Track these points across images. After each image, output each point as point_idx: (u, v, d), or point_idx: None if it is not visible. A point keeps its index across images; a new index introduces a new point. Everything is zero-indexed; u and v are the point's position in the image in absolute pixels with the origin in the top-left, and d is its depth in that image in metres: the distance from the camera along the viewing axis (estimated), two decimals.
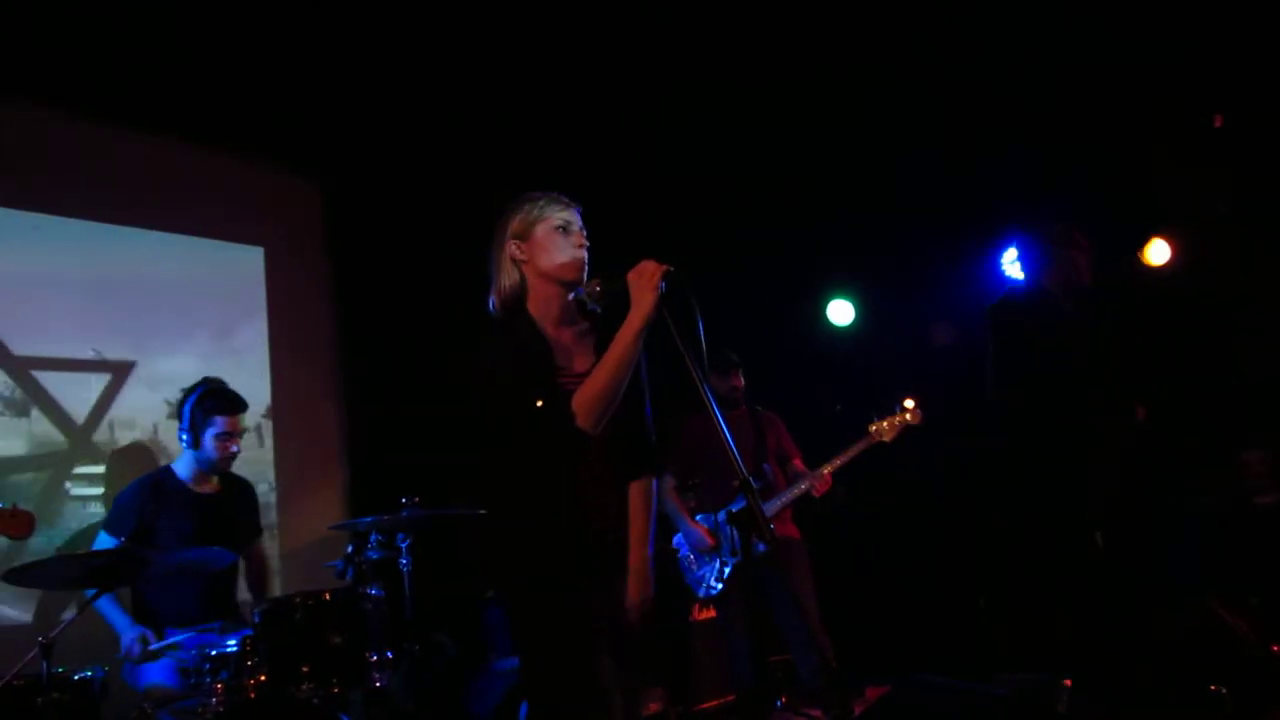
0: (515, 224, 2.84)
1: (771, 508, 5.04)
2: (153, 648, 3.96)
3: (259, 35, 5.02)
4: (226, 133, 5.53)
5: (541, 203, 2.85)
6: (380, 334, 5.97)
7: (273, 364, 5.75)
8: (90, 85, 5.01)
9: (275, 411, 5.69)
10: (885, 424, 5.15)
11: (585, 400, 2.67)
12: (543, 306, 2.83)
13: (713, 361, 5.20)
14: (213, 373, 4.53)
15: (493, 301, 2.88)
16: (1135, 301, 5.81)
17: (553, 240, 2.80)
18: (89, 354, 5.07)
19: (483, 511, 3.09)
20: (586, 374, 2.74)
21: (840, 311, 7.04)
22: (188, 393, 4.40)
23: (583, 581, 2.74)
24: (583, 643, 2.69)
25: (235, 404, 4.37)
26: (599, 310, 2.84)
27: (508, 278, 2.84)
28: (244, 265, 5.76)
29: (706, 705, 5.85)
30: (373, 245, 5.99)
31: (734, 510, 5.02)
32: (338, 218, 6.12)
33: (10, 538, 3.16)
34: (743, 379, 5.36)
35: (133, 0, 4.64)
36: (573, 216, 2.86)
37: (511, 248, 2.83)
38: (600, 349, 2.80)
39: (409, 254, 5.96)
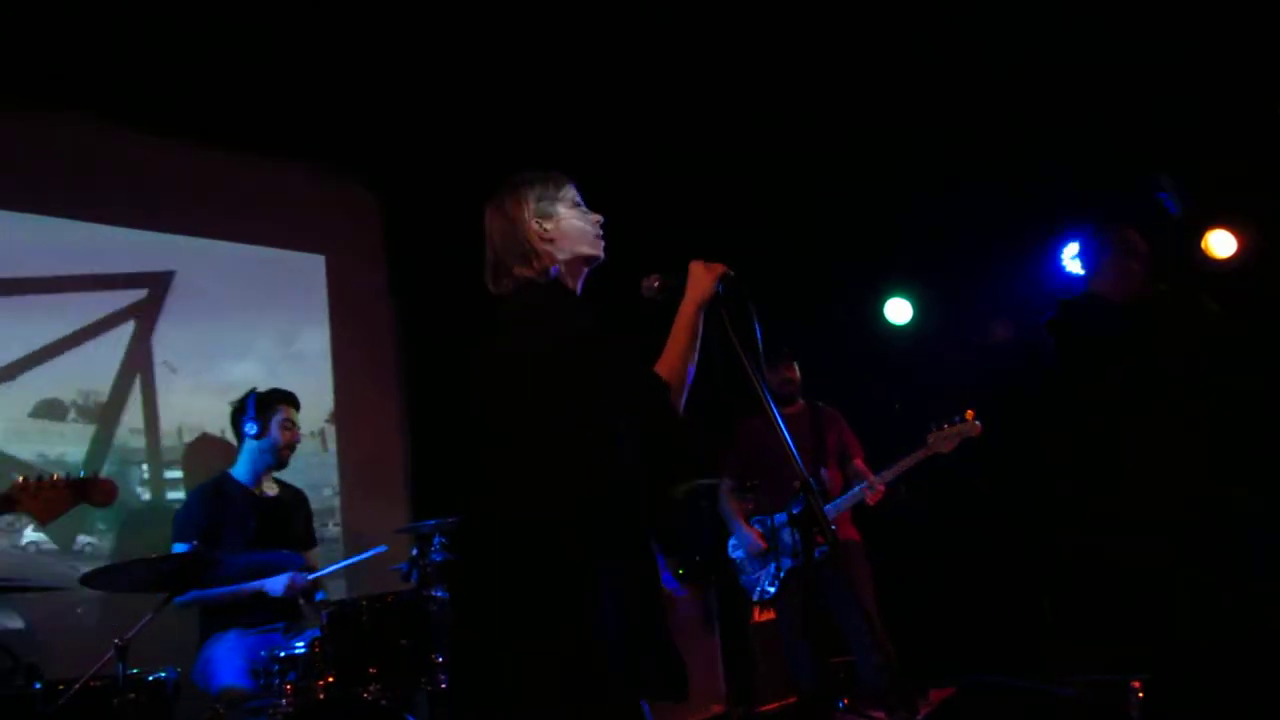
0: (534, 204, 2.69)
1: (827, 513, 5.00)
2: (310, 577, 4.17)
3: (316, 46, 5.09)
4: (287, 142, 5.62)
5: (554, 181, 2.72)
6: (440, 338, 6.02)
7: (335, 369, 5.84)
8: (155, 100, 5.12)
9: (338, 416, 5.77)
10: (944, 434, 5.03)
11: (670, 383, 2.52)
12: (570, 283, 2.69)
13: (766, 356, 5.17)
14: (277, 378, 4.65)
15: (526, 273, 2.67)
16: (1196, 310, 5.69)
17: (577, 217, 2.69)
18: (158, 361, 5.19)
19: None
20: None
21: (898, 310, 7.00)
22: (241, 399, 4.53)
23: None
24: None
25: (293, 397, 4.58)
26: (657, 302, 2.74)
27: (540, 261, 2.64)
28: (306, 273, 5.86)
29: (767, 707, 5.84)
30: (431, 250, 6.05)
31: (794, 512, 4.99)
32: (396, 224, 6.20)
33: (95, 505, 3.20)
34: (797, 371, 5.29)
35: (194, 15, 4.74)
36: (576, 193, 2.75)
37: (535, 227, 2.66)
38: None
39: (467, 258, 5.98)
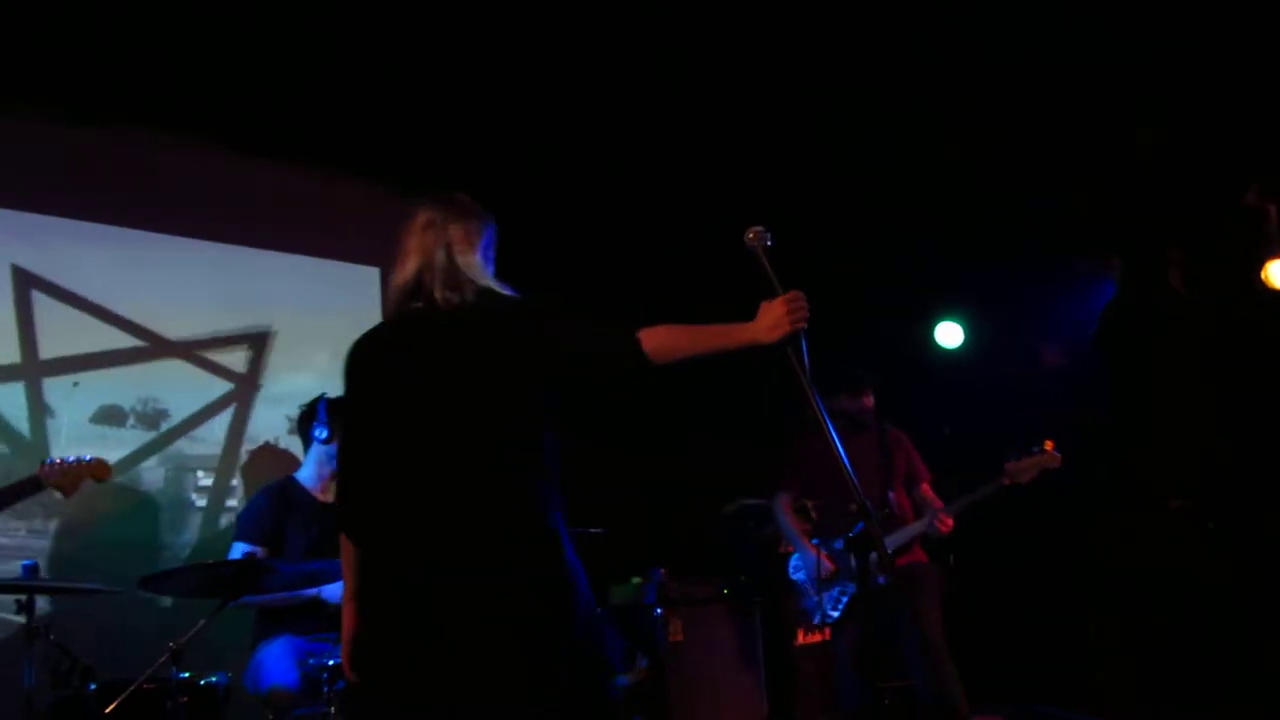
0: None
1: (896, 540, 4.91)
2: None
3: (374, 62, 5.18)
4: (343, 156, 5.71)
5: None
6: None
7: None
8: (216, 114, 5.23)
9: None
10: (1023, 465, 4.88)
11: (662, 340, 2.56)
12: None
13: (844, 381, 5.15)
14: (333, 390, 4.67)
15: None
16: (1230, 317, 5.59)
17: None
18: (215, 371, 5.27)
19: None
20: None
21: (949, 334, 6.96)
22: (313, 403, 4.57)
23: None
24: None
25: None
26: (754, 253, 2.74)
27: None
28: (361, 285, 5.93)
29: None
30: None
31: (851, 536, 4.93)
32: None
33: (97, 480, 3.67)
34: (873, 399, 5.24)
35: (255, 31, 4.84)
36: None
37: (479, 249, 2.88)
38: None
39: (517, 270, 6.04)
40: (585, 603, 2.55)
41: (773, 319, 2.59)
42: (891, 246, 6.50)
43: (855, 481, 2.57)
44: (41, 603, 3.69)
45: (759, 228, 2.78)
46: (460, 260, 2.83)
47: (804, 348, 2.58)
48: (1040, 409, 5.90)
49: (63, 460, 3.51)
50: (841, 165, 6.12)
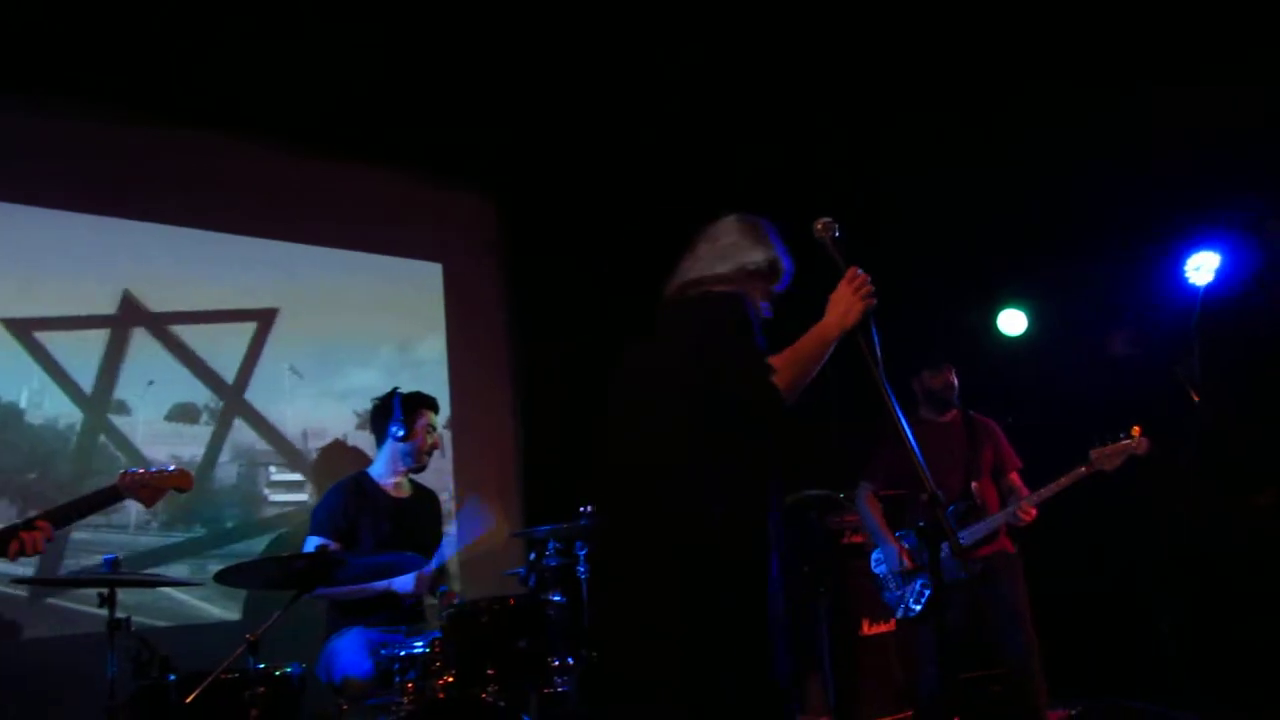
0: (766, 255, 2.94)
1: (978, 531, 4.85)
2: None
3: (431, 57, 5.21)
4: (404, 153, 5.77)
5: (783, 256, 2.95)
6: (555, 345, 6.12)
7: (452, 376, 5.97)
8: (276, 112, 5.31)
9: (455, 423, 5.90)
10: (1108, 451, 4.79)
11: (786, 371, 2.65)
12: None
13: (924, 359, 5.10)
14: (395, 385, 4.74)
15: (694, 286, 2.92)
16: None
17: (766, 292, 2.91)
18: (284, 368, 5.37)
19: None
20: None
21: (1012, 321, 6.86)
22: (386, 397, 4.63)
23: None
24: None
25: (435, 402, 4.70)
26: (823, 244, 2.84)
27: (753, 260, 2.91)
28: (424, 281, 6.01)
29: None
30: (547, 258, 6.15)
31: (920, 526, 4.88)
32: (512, 232, 6.31)
33: (179, 491, 3.55)
34: (955, 376, 5.15)
35: (312, 28, 4.89)
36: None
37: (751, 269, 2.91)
38: None
39: (582, 266, 6.10)
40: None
41: (843, 305, 2.66)
42: (952, 232, 6.43)
43: (925, 469, 2.57)
44: (122, 595, 3.76)
45: (827, 219, 2.80)
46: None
47: (874, 332, 2.58)
48: (1108, 398, 5.80)
49: (145, 470, 3.44)
50: (901, 151, 6.07)
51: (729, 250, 2.96)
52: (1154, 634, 5.81)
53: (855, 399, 2.97)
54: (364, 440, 5.00)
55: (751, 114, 5.89)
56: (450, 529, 4.50)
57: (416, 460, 4.58)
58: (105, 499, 3.29)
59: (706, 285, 2.91)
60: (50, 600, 4.43)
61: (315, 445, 5.38)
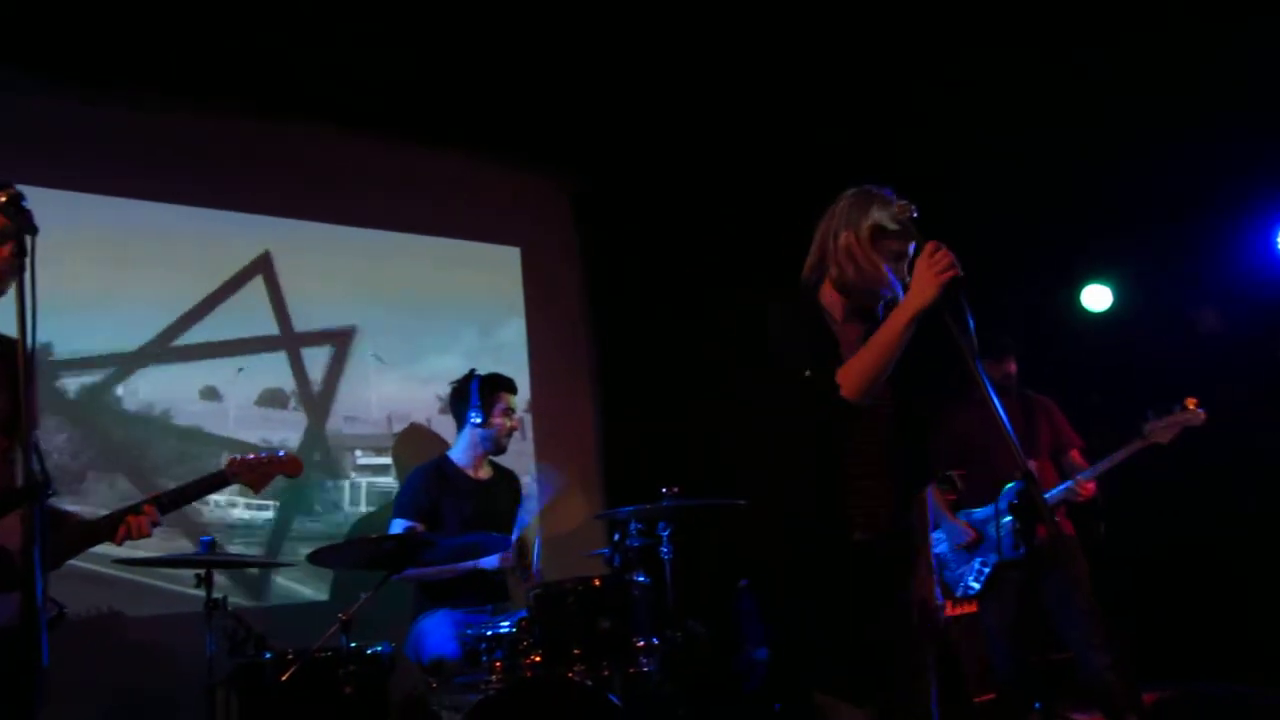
0: (856, 217, 2.84)
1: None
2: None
3: (509, 42, 5.23)
4: (482, 137, 5.80)
5: (890, 216, 2.81)
6: (634, 326, 6.14)
7: (531, 360, 6.02)
8: (357, 98, 5.35)
9: (535, 405, 5.95)
10: (1162, 423, 4.71)
11: (851, 371, 2.66)
12: (838, 302, 2.87)
13: (985, 346, 5.05)
14: (476, 369, 4.80)
15: (809, 274, 2.92)
16: None
17: (879, 261, 2.80)
18: (369, 354, 5.46)
19: (746, 500, 3.16)
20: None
21: (1096, 297, 6.73)
22: (464, 381, 4.69)
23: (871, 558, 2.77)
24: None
25: (512, 383, 4.74)
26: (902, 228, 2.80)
27: (806, 272, 2.90)
28: (503, 265, 6.06)
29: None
30: (623, 240, 6.17)
31: (1013, 501, 4.84)
32: (589, 215, 6.34)
33: (287, 476, 3.49)
34: (1015, 365, 5.13)
35: (392, 15, 4.94)
36: (910, 245, 2.80)
37: (846, 237, 2.82)
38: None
39: (659, 247, 6.10)
40: None
41: (920, 281, 2.60)
42: (1035, 207, 6.31)
43: (1018, 446, 2.53)
44: (218, 576, 3.87)
45: (902, 201, 2.78)
46: None
47: (966, 308, 2.55)
48: (1196, 375, 5.67)
49: (256, 455, 3.38)
50: (985, 124, 5.97)
51: (818, 242, 2.94)
52: (1245, 615, 5.69)
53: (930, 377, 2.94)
54: (447, 424, 5.06)
55: (825, 90, 5.83)
56: (531, 510, 4.53)
57: (495, 444, 4.63)
58: (213, 484, 3.25)
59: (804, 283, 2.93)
60: (150, 580, 4.55)
61: (400, 429, 5.46)
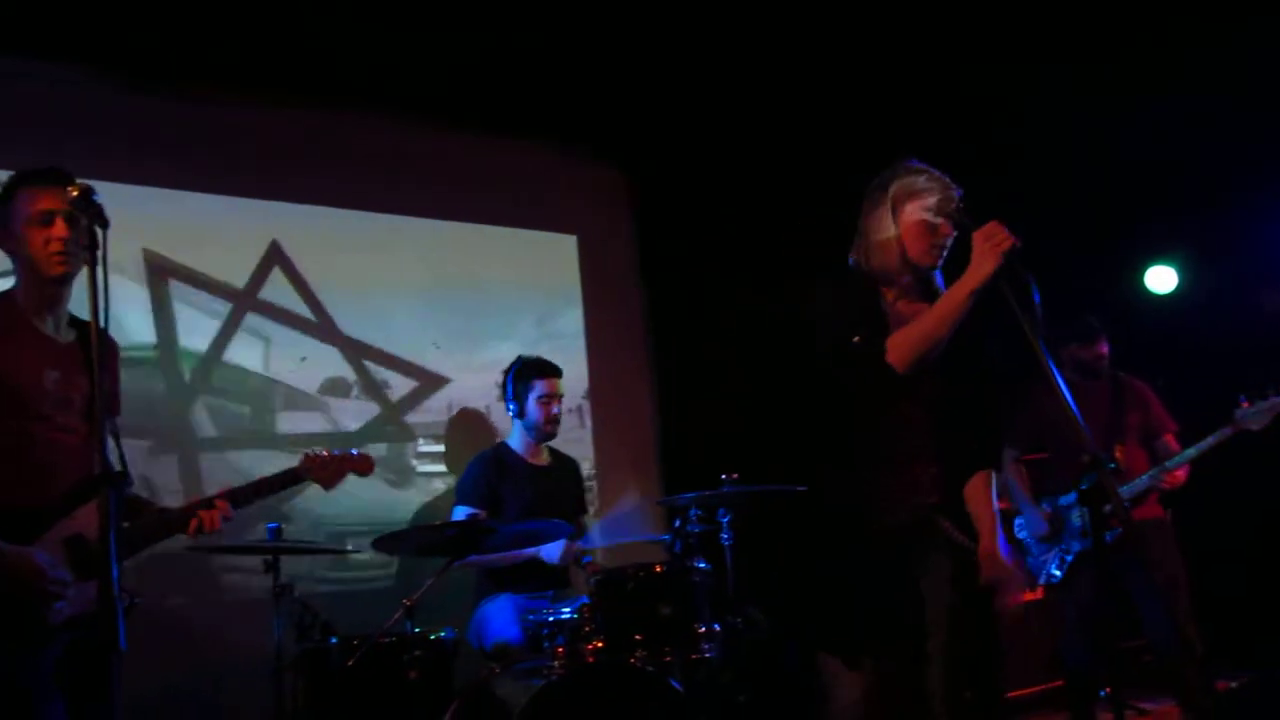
0: (895, 192, 2.90)
1: (1122, 494, 4.69)
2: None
3: (565, 29, 5.22)
4: (536, 125, 5.80)
5: (920, 184, 2.89)
6: (691, 312, 6.14)
7: (589, 347, 6.04)
8: (414, 89, 5.38)
9: (593, 393, 5.97)
10: (1254, 410, 4.56)
11: (902, 339, 2.69)
12: (885, 276, 2.90)
13: (1075, 329, 4.99)
14: (521, 357, 4.82)
15: (854, 257, 2.96)
16: None
17: (920, 229, 2.85)
18: (428, 344, 5.52)
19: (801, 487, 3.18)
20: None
21: (1161, 278, 6.61)
22: (506, 371, 4.72)
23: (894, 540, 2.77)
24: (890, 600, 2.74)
25: (550, 368, 4.66)
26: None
27: (880, 234, 2.90)
28: (560, 254, 6.08)
29: (1024, 691, 5.68)
30: (680, 226, 6.16)
31: (1083, 489, 4.76)
32: (645, 203, 6.34)
33: (359, 475, 3.47)
34: (1107, 346, 5.03)
35: (448, 5, 4.96)
36: (944, 210, 2.84)
37: (885, 215, 2.89)
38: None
39: (716, 233, 6.09)
40: None
41: (979, 255, 2.62)
42: (1097, 187, 6.20)
43: (1086, 430, 2.51)
44: (285, 562, 3.92)
45: (947, 192, 2.84)
46: None
47: (1030, 283, 2.53)
48: (1263, 357, 5.54)
49: (329, 453, 3.36)
50: (1043, 102, 5.87)
51: (862, 228, 2.98)
52: None
53: (1011, 360, 2.91)
54: (504, 411, 5.08)
55: (882, 71, 5.76)
56: (592, 497, 4.54)
57: (537, 432, 4.62)
58: (286, 480, 3.23)
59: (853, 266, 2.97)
60: (219, 566, 4.63)
61: (458, 417, 5.51)
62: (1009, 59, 5.67)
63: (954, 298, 2.65)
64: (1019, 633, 5.69)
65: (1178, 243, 6.52)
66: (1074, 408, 2.52)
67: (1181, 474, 4.71)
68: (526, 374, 4.61)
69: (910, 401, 2.80)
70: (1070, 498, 4.89)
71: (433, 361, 5.52)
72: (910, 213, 2.85)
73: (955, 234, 2.84)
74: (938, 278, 2.95)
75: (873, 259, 2.90)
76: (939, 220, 2.83)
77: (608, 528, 4.55)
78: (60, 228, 2.74)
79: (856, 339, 2.74)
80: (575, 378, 5.84)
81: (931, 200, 2.84)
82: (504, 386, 4.69)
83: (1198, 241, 6.41)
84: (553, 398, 4.60)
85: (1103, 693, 5.02)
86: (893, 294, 2.90)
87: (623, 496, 4.63)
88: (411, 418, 5.41)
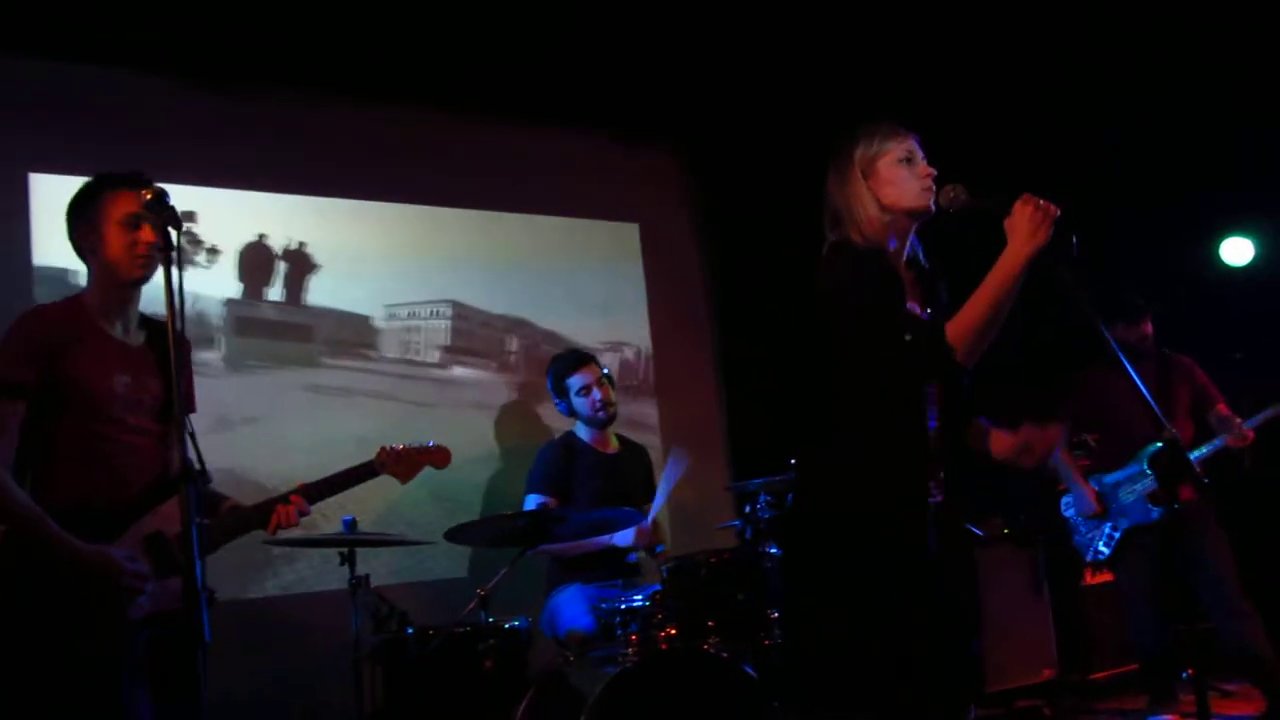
0: (859, 160, 2.75)
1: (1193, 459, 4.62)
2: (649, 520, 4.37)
3: (622, 15, 5.21)
4: (594, 112, 5.81)
5: (879, 135, 2.75)
6: (753, 301, 6.11)
7: (654, 333, 6.04)
8: (473, 82, 5.41)
9: (658, 382, 5.98)
10: None
11: (961, 331, 2.54)
12: (895, 241, 2.75)
13: (1120, 308, 4.93)
14: (597, 346, 4.82)
15: (842, 234, 2.77)
16: None
17: (898, 174, 2.71)
18: (492, 334, 5.55)
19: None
20: (918, 318, 2.69)
21: (1236, 250, 6.44)
22: (546, 373, 4.74)
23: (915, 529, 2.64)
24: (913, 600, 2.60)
25: (579, 358, 4.67)
26: (950, 212, 2.69)
27: (865, 209, 2.72)
28: (622, 242, 6.08)
29: (1103, 674, 5.60)
30: (742, 214, 6.13)
31: (1154, 460, 4.69)
32: (706, 189, 6.32)
33: (436, 467, 3.48)
34: (1152, 326, 5.00)
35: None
36: (913, 146, 2.74)
37: (863, 185, 2.73)
38: (926, 296, 2.76)
39: (778, 217, 6.03)
40: None
41: (1026, 226, 2.50)
42: (1169, 157, 6.05)
43: (1156, 408, 2.46)
44: (360, 554, 3.97)
45: (944, 187, 2.69)
46: None
47: (1073, 245, 2.46)
48: None
49: (405, 446, 3.37)
50: (1113, 70, 5.74)
51: (837, 206, 2.83)
52: None
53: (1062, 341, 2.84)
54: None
55: (951, 49, 5.67)
56: (664, 491, 4.53)
57: (591, 423, 4.62)
58: (361, 475, 3.23)
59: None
60: (297, 559, 4.71)
61: (527, 408, 5.54)
62: (1079, 26, 5.56)
63: (1005, 277, 2.51)
64: (1094, 616, 5.62)
65: (1254, 214, 6.35)
66: (1143, 387, 2.47)
67: (1251, 434, 4.68)
68: (560, 373, 4.64)
69: (925, 398, 2.68)
70: (1118, 475, 4.88)
71: (499, 350, 5.57)
72: (885, 166, 2.71)
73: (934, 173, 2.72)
74: (918, 247, 2.82)
75: (863, 230, 2.72)
76: (917, 161, 2.72)
77: (663, 486, 4.53)
78: (147, 232, 2.78)
79: (909, 337, 2.60)
80: (640, 364, 5.86)
81: (900, 148, 2.72)
82: (549, 390, 4.72)
83: (1276, 211, 6.24)
84: (592, 385, 4.58)
85: (1184, 674, 4.95)
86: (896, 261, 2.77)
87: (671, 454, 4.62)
88: (480, 408, 5.45)
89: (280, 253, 5.08)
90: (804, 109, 5.82)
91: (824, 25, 5.41)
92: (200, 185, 4.77)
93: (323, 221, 5.18)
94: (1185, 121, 5.91)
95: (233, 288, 4.93)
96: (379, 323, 5.27)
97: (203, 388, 3.49)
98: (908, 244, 2.78)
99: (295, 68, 5.09)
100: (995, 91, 5.85)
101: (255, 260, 5.01)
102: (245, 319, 4.93)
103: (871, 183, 2.72)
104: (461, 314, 5.48)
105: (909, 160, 2.72)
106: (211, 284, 4.86)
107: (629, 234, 6.10)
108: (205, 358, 4.71)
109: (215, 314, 4.85)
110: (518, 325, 5.60)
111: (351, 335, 5.19)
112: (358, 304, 5.22)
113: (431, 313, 5.42)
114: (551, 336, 5.64)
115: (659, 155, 6.25)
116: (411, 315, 5.35)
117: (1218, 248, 6.42)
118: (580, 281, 5.84)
